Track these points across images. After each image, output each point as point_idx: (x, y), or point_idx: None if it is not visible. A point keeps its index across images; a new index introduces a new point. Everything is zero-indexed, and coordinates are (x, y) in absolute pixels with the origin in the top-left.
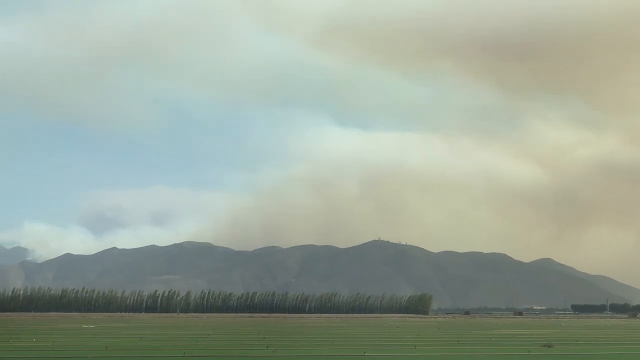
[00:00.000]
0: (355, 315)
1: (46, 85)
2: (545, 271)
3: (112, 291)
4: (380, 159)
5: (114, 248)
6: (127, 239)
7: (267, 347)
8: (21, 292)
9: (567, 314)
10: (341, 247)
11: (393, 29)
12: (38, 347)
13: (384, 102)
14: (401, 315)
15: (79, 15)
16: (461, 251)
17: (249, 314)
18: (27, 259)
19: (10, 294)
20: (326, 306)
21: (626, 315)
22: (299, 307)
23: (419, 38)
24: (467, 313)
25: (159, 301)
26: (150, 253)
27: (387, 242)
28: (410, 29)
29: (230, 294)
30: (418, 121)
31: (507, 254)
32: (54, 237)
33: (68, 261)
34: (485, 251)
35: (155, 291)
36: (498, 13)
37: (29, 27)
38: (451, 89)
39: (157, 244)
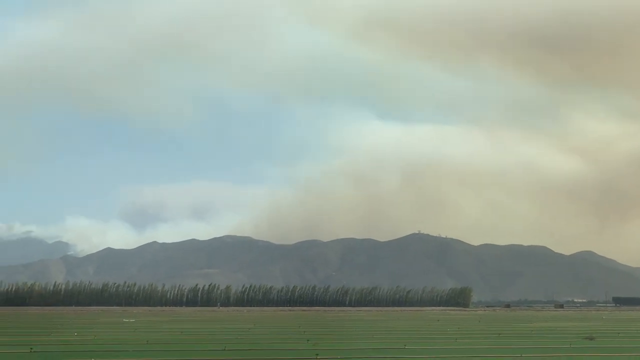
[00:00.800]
0: (396, 308)
1: (86, 80)
2: (587, 264)
3: (152, 285)
4: (420, 152)
5: (155, 242)
6: (168, 234)
7: (308, 340)
8: (63, 286)
9: (608, 306)
10: (381, 240)
11: (434, 21)
12: (79, 340)
13: (424, 95)
14: (441, 308)
15: (119, 10)
16: (501, 244)
17: (289, 308)
18: (69, 253)
19: (52, 288)
20: (366, 299)
21: None
22: (339, 300)
23: (460, 30)
24: (507, 306)
25: (199, 295)
26: (191, 247)
27: (427, 235)
28: (451, 21)
29: (270, 288)
30: (458, 114)
31: (548, 247)
32: (96, 231)
33: (109, 255)
34: (525, 244)
35: (196, 285)
36: (540, 4)
37: (68, 23)
38: (492, 82)
39: (197, 238)
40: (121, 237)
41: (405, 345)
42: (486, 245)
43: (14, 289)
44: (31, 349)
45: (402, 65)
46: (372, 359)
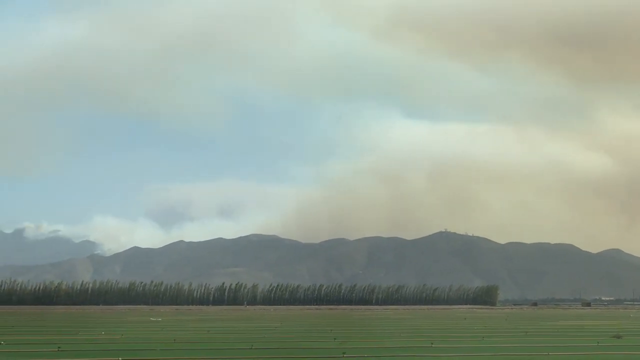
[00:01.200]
0: (422, 306)
1: (114, 79)
2: (614, 262)
3: (179, 284)
4: (448, 151)
5: (181, 241)
6: (195, 232)
7: (335, 338)
8: (90, 285)
9: (635, 304)
10: (408, 238)
11: (461, 19)
12: (106, 339)
13: (452, 93)
14: (468, 306)
15: (147, 9)
16: (528, 242)
17: (316, 306)
18: (96, 252)
19: (79, 287)
20: (393, 298)
21: None
22: (365, 298)
23: (487, 28)
24: (534, 304)
25: (226, 294)
26: (217, 246)
27: (454, 233)
28: (477, 19)
29: (297, 287)
30: (486, 112)
31: (575, 245)
32: (123, 230)
33: (136, 254)
34: (552, 242)
35: (223, 283)
36: (567, 1)
37: (96, 22)
38: (519, 80)
39: (223, 237)
40: (148, 236)
41: (432, 344)
42: (513, 243)
43: (41, 288)
44: (58, 348)
45: (429, 64)
46: (399, 358)
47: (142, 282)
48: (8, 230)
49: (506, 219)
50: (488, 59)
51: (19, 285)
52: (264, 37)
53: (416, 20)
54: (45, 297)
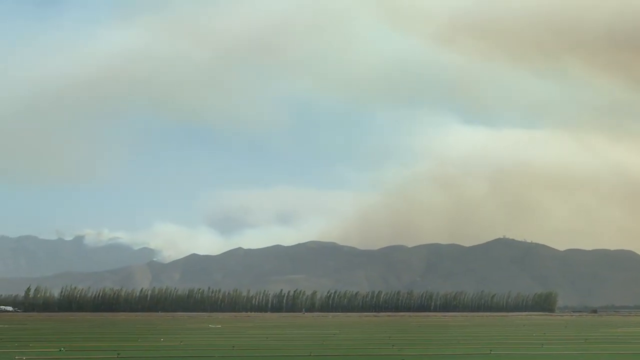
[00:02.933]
0: (481, 313)
1: (171, 86)
2: None
3: (237, 291)
4: (507, 156)
5: (240, 248)
6: (253, 239)
7: (393, 345)
8: (149, 292)
9: None
10: (466, 245)
11: (520, 24)
12: (165, 346)
13: (511, 99)
14: (527, 313)
15: (202, 16)
16: (588, 248)
17: (374, 313)
18: (154, 259)
19: (138, 294)
20: (451, 304)
21: None
22: (424, 305)
23: (546, 33)
24: (594, 311)
25: (284, 301)
26: (275, 253)
27: (512, 240)
28: (537, 24)
29: (355, 294)
30: (545, 118)
31: (636, 251)
32: (182, 237)
33: (194, 261)
34: (612, 248)
35: (281, 291)
36: (627, 6)
37: (152, 29)
38: (579, 85)
39: (281, 244)
40: (207, 243)
41: (491, 351)
42: (573, 250)
43: (101, 295)
44: (118, 354)
45: (488, 69)
46: None
47: (200, 289)
48: (68, 238)
49: (566, 226)
50: (547, 64)
51: (78, 292)
52: (321, 43)
53: (475, 26)
54: (105, 304)
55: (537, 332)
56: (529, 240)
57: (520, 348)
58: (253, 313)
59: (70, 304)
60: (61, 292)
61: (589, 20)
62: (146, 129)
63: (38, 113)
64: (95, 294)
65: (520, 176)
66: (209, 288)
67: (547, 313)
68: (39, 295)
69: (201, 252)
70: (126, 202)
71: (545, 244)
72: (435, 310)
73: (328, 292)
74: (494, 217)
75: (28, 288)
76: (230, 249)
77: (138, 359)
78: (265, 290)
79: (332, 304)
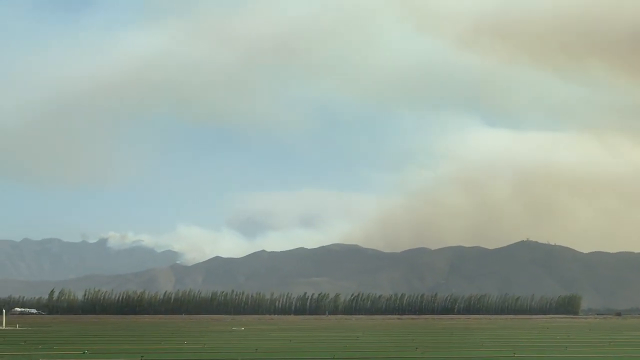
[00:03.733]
0: (504, 316)
1: (195, 89)
2: None
3: (260, 294)
4: (530, 159)
5: (263, 251)
6: (276, 242)
7: (416, 348)
8: (172, 295)
9: None
10: (490, 247)
11: (543, 26)
12: (189, 349)
13: (535, 101)
14: (550, 316)
15: (225, 19)
16: (612, 251)
17: (398, 316)
18: (177, 262)
19: (161, 296)
20: (475, 307)
21: None
22: (447, 308)
23: (570, 35)
24: (618, 314)
25: (307, 303)
26: (298, 255)
27: (536, 242)
28: (560, 26)
29: (379, 296)
30: (570, 120)
31: None
32: (206, 240)
33: (217, 264)
34: (636, 251)
35: (305, 293)
36: None
37: (176, 32)
38: (603, 87)
39: (305, 247)
40: (231, 245)
41: (514, 354)
42: (597, 252)
43: (124, 298)
44: (142, 357)
45: (511, 71)
46: None
47: (223, 292)
48: (92, 240)
49: (589, 228)
50: (571, 66)
51: (102, 295)
52: (345, 45)
53: (498, 28)
54: (128, 306)
55: (561, 335)
56: (552, 243)
57: (544, 351)
58: (276, 316)
59: (93, 306)
60: (85, 294)
61: (612, 22)
62: (171, 132)
63: (62, 116)
64: (119, 297)
65: (543, 178)
66: (232, 291)
67: (571, 316)
68: (62, 298)
69: (224, 255)
70: (150, 205)
71: (569, 247)
72: (458, 312)
73: (351, 295)
74: (518, 219)
75: (52, 291)
76: (253, 252)
77: None
78: (288, 293)
79: (355, 307)
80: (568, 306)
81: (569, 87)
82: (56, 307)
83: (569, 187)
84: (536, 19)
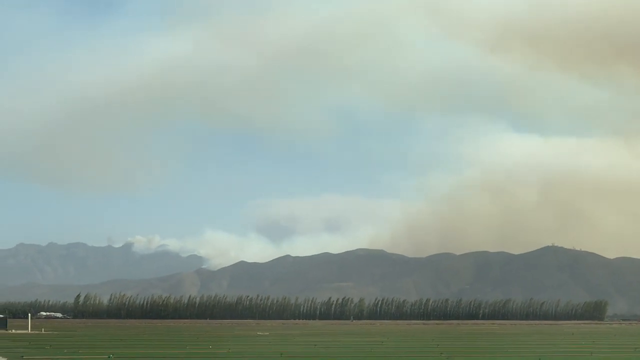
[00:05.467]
0: (529, 321)
1: (220, 94)
2: None
3: (285, 298)
4: (557, 164)
5: (288, 256)
6: (301, 247)
7: (441, 353)
8: (197, 299)
9: None
10: (515, 253)
11: (570, 31)
12: (214, 354)
13: (561, 106)
14: (575, 321)
15: (250, 23)
16: (638, 257)
17: (423, 321)
18: (203, 266)
19: (186, 301)
20: (500, 312)
21: None
22: (472, 313)
23: (597, 40)
24: None
25: (332, 308)
26: (323, 260)
27: (561, 247)
28: (587, 31)
29: (403, 301)
30: (596, 125)
31: None
32: (232, 245)
33: (242, 269)
34: None
35: (329, 298)
36: None
37: (201, 37)
38: (631, 92)
39: (330, 252)
40: (256, 250)
41: (540, 359)
42: (623, 258)
43: (149, 302)
44: None
45: (538, 76)
46: None
47: (248, 297)
48: (117, 245)
49: (616, 234)
50: (599, 71)
51: (127, 299)
52: (370, 50)
53: (524, 33)
54: (153, 311)
55: (586, 340)
56: (578, 248)
57: (570, 357)
58: (301, 320)
59: (119, 311)
60: (110, 299)
61: (639, 26)
62: (197, 137)
63: (88, 121)
64: (144, 301)
65: (569, 184)
66: (257, 296)
67: (596, 321)
68: (88, 302)
69: (249, 260)
70: (176, 209)
71: (595, 252)
72: (483, 318)
73: (376, 300)
74: (543, 225)
75: (78, 295)
76: (278, 257)
77: None
78: (313, 298)
79: (380, 312)
80: (593, 312)
81: (596, 92)
82: (81, 311)
83: (595, 192)
84: (563, 24)
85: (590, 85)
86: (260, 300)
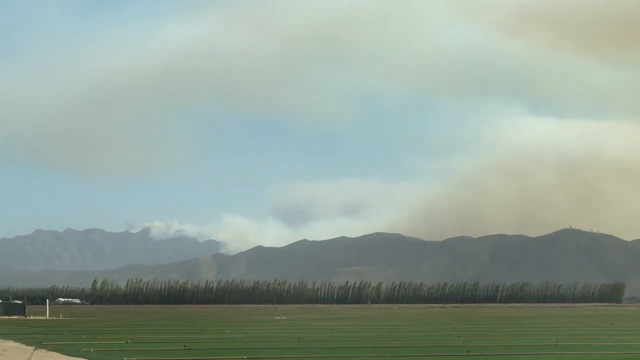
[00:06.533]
0: (547, 304)
1: (238, 78)
2: None
3: (303, 283)
4: (576, 147)
5: (305, 240)
6: (318, 231)
7: (459, 337)
8: (214, 284)
9: None
10: (532, 236)
11: (589, 12)
12: (231, 338)
13: (580, 88)
14: (593, 304)
15: (270, 9)
16: None
17: (440, 305)
18: (220, 251)
19: (204, 286)
20: (517, 296)
21: None
22: (490, 297)
23: (617, 21)
24: None
25: (350, 292)
26: (341, 244)
27: (579, 230)
28: (607, 12)
29: (420, 285)
30: (616, 108)
31: None
32: (250, 229)
33: (260, 253)
34: None
35: (347, 282)
36: None
37: (219, 22)
38: None
39: (347, 236)
40: (274, 235)
41: (557, 342)
42: None
43: (167, 288)
44: (184, 346)
45: (557, 59)
46: (524, 356)
47: (266, 281)
48: (134, 230)
49: (634, 216)
50: (618, 53)
51: (145, 284)
52: (388, 34)
53: (543, 15)
54: (171, 296)
55: (604, 323)
56: (595, 231)
57: (588, 339)
58: (319, 305)
59: (136, 296)
60: (127, 284)
61: None
62: (213, 122)
63: (106, 106)
64: (162, 287)
65: (588, 166)
66: (274, 280)
67: (614, 304)
68: (105, 288)
69: (267, 244)
70: (194, 194)
71: (613, 234)
72: (501, 301)
73: (393, 284)
74: (561, 207)
75: (95, 280)
76: (295, 241)
77: (204, 350)
78: (330, 282)
79: (397, 296)
80: (611, 294)
81: (615, 74)
82: (99, 297)
83: (614, 175)
84: (582, 5)
85: (609, 67)
86: (278, 284)
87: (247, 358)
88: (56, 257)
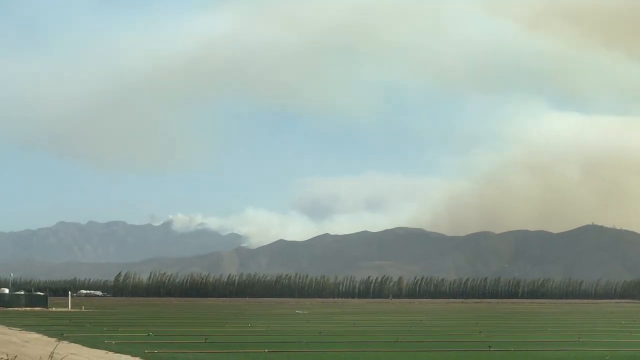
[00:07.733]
0: (569, 300)
1: (262, 72)
2: None
3: (324, 277)
4: (600, 143)
5: (327, 234)
6: (340, 225)
7: (480, 332)
8: (236, 278)
9: None
10: (554, 232)
11: (614, 7)
12: (253, 332)
13: (605, 84)
14: (616, 300)
15: (295, 1)
16: None
17: (461, 300)
18: (242, 245)
19: (225, 279)
20: (539, 292)
21: None
22: (511, 292)
23: None
24: None
25: (371, 287)
26: (362, 239)
27: (601, 226)
28: (632, 6)
29: (442, 280)
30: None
31: None
32: (273, 223)
33: (281, 247)
34: None
35: (368, 277)
36: None
37: (243, 14)
38: None
39: (369, 230)
40: (297, 229)
41: (579, 338)
42: None
43: (189, 281)
44: (206, 339)
45: (581, 54)
46: (545, 352)
47: (287, 275)
48: (157, 223)
49: None
50: None
51: (167, 277)
52: (412, 28)
53: (568, 9)
54: (193, 289)
55: (626, 319)
56: (618, 227)
57: (609, 335)
58: (340, 299)
59: (158, 289)
60: (150, 277)
61: None
62: (237, 115)
63: (130, 99)
64: (184, 280)
65: (612, 162)
66: (296, 274)
67: (637, 301)
68: (128, 281)
69: (289, 238)
70: (217, 187)
71: (636, 231)
72: (522, 297)
73: (415, 279)
74: (584, 203)
75: (119, 274)
76: (317, 235)
77: (226, 344)
78: (352, 277)
79: (419, 291)
80: (634, 291)
81: None
82: (121, 289)
83: (638, 171)
84: (606, 0)
85: (635, 62)
86: (299, 278)
87: (268, 351)
88: (78, 249)
